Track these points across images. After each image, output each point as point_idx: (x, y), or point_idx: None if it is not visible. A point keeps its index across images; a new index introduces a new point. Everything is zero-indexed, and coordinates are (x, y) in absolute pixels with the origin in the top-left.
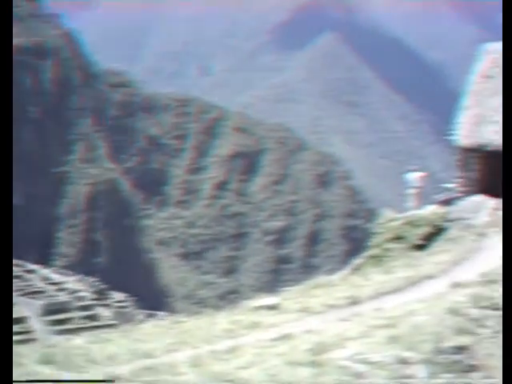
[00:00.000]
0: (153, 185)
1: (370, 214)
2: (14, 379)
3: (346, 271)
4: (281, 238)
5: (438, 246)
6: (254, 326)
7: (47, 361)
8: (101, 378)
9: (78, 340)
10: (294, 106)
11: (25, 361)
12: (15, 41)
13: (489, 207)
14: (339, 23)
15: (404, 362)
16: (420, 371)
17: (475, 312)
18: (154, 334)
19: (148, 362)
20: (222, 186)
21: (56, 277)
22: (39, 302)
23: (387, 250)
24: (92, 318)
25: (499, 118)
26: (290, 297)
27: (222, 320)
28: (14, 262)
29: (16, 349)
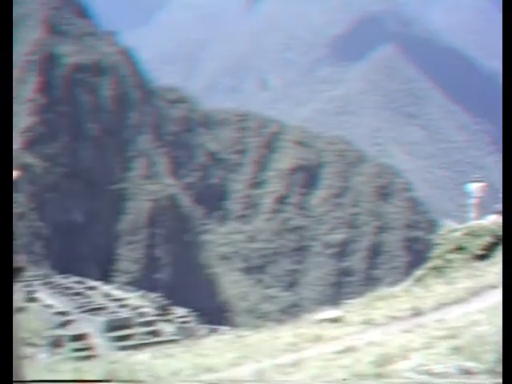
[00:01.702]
0: (213, 200)
1: (431, 225)
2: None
3: (407, 283)
4: (342, 250)
5: (499, 255)
6: (317, 339)
7: (110, 376)
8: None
9: (141, 356)
10: (353, 118)
11: (88, 377)
12: (73, 59)
13: None
14: (397, 34)
15: (467, 372)
16: (483, 381)
17: None
18: (216, 348)
19: (211, 376)
20: (282, 199)
21: (117, 293)
22: (101, 319)
23: (449, 260)
24: (154, 333)
25: None
26: (353, 309)
27: (285, 333)
28: (76, 279)
29: (78, 365)
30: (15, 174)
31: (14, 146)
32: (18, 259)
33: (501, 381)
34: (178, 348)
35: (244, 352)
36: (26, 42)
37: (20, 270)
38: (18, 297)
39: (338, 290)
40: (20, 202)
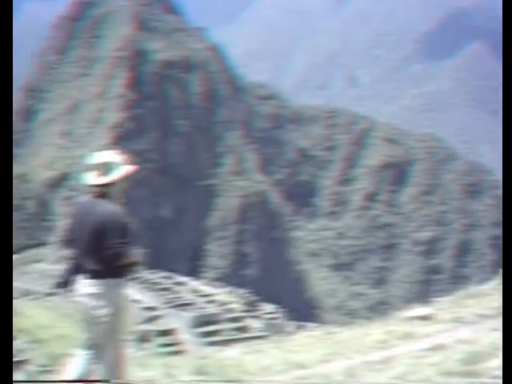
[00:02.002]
0: (302, 196)
1: None
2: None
3: (496, 281)
4: (430, 248)
5: None
6: (407, 336)
7: (200, 372)
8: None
9: (231, 351)
10: (442, 115)
11: (176, 372)
12: (162, 55)
13: None
14: (485, 31)
15: None
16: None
17: None
18: (306, 344)
19: (302, 372)
20: (371, 196)
21: (206, 289)
22: (189, 314)
23: None
24: (242, 329)
25: None
26: (442, 307)
27: (375, 331)
28: (164, 274)
29: (167, 360)
30: (132, 168)
31: (104, 142)
32: (134, 253)
33: (501, 381)
34: (267, 344)
35: (334, 349)
36: (115, 38)
37: (135, 264)
38: (126, 293)
39: (427, 288)
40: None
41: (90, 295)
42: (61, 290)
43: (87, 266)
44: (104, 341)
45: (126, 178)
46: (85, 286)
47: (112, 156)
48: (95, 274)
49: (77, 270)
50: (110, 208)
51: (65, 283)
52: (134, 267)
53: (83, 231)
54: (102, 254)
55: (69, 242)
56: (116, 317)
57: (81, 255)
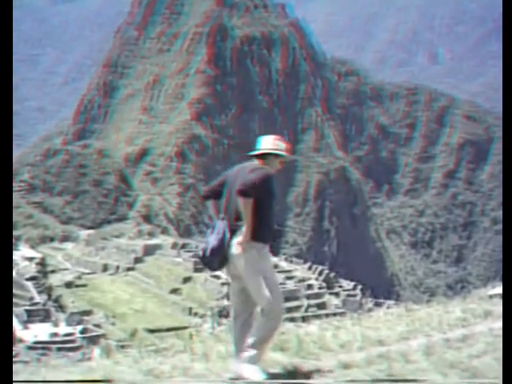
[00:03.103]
0: (382, 173)
1: None
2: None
3: None
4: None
5: None
6: (487, 314)
7: (281, 348)
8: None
9: (311, 327)
10: None
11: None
12: (243, 31)
13: None
14: None
15: None
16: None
17: None
18: (385, 321)
19: (381, 349)
20: (451, 174)
21: (285, 265)
22: None
23: None
24: (321, 306)
25: None
26: None
27: (454, 308)
28: None
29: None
30: (289, 157)
31: (185, 117)
32: (277, 224)
33: (501, 381)
34: (346, 320)
35: (413, 326)
36: (196, 14)
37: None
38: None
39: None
40: (188, 173)
41: (239, 256)
42: (213, 252)
43: (236, 228)
44: (251, 305)
45: (281, 163)
46: (234, 247)
47: (275, 142)
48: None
49: (227, 232)
50: (258, 173)
51: (221, 244)
52: (277, 236)
53: (232, 194)
54: (253, 217)
55: (209, 197)
56: (262, 280)
57: (231, 218)
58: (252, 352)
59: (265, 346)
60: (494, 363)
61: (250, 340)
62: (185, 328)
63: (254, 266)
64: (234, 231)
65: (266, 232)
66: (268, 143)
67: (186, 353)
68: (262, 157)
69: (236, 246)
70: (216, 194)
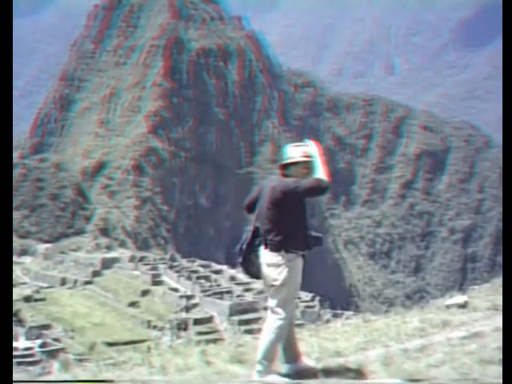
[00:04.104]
0: (339, 184)
1: None
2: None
3: None
4: (467, 236)
5: None
6: (445, 324)
7: (238, 360)
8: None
9: None
10: (480, 103)
11: (214, 360)
12: (199, 44)
13: None
14: None
15: None
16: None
17: None
18: (343, 332)
19: (339, 360)
20: (408, 184)
21: (243, 277)
22: (226, 302)
23: None
24: None
25: None
26: (479, 295)
27: (412, 319)
28: (201, 262)
29: (205, 348)
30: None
31: (141, 130)
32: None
33: (501, 381)
34: (304, 332)
35: (371, 336)
36: (152, 27)
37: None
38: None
39: (463, 276)
40: (146, 186)
41: (269, 265)
42: (240, 258)
43: (268, 237)
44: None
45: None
46: (265, 256)
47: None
48: (275, 246)
49: (258, 240)
50: (287, 182)
51: (246, 252)
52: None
53: (264, 204)
54: (282, 226)
55: (251, 210)
56: (291, 289)
57: (262, 227)
58: (265, 363)
59: (274, 356)
60: (452, 373)
61: (259, 353)
62: (143, 341)
63: (281, 276)
64: (263, 240)
65: (297, 241)
66: (296, 152)
67: (144, 366)
68: (289, 166)
69: (265, 256)
70: (255, 206)
